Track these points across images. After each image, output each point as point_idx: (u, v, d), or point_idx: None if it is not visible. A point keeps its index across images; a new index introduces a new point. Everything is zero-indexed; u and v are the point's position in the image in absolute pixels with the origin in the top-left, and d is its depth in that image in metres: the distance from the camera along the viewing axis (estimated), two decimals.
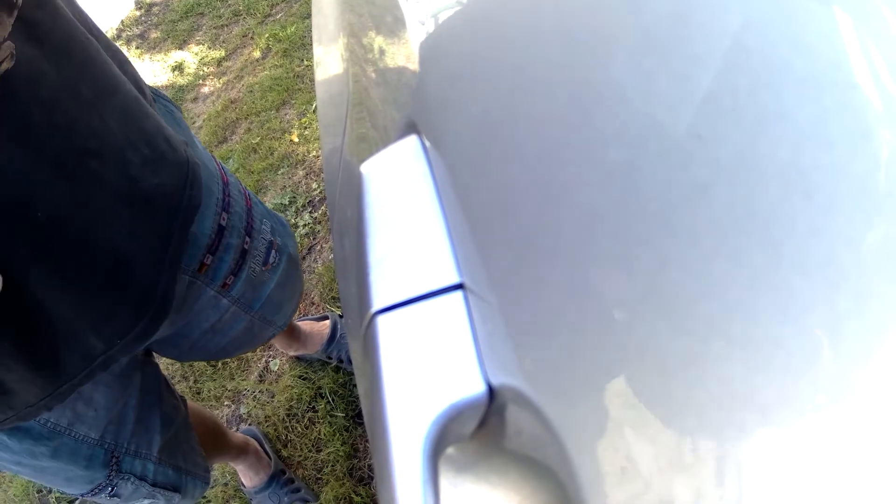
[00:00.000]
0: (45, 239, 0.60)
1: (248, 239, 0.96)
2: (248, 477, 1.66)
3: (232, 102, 2.69)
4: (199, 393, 1.93)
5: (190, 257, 0.85)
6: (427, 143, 0.35)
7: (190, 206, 0.78)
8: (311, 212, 2.17)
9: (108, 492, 1.01)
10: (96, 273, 0.67)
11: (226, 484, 1.78)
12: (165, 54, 3.12)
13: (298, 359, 1.89)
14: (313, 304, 1.96)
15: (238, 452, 1.64)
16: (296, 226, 2.11)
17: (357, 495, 1.69)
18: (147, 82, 0.84)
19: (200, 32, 3.16)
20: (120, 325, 0.72)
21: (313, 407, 1.85)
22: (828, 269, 0.18)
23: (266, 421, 1.87)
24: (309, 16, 2.85)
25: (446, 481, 0.35)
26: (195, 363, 1.98)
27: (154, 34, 3.32)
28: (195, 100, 2.83)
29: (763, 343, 0.19)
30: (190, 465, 1.26)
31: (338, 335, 1.79)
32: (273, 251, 1.03)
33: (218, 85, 2.83)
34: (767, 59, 0.19)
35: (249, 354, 1.96)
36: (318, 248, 2.06)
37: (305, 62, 2.70)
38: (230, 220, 0.91)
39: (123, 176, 0.68)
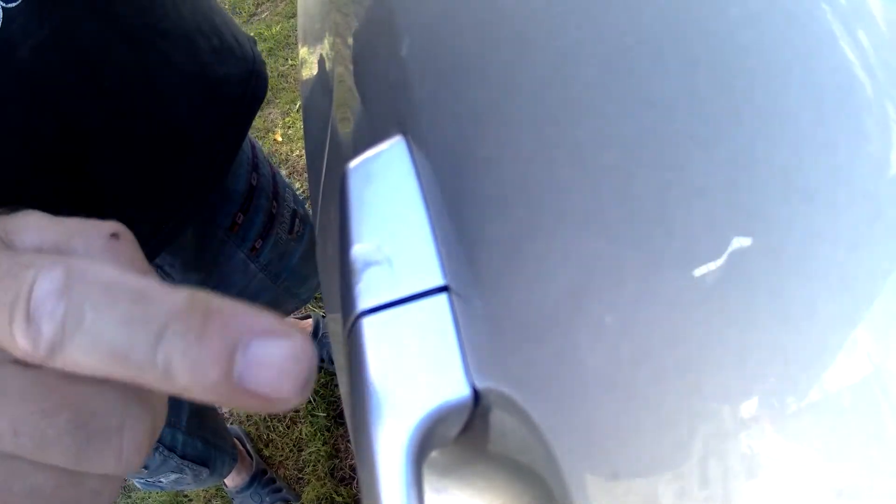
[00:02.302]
0: (110, 107, 0.61)
1: (275, 203, 0.97)
2: (230, 476, 1.65)
3: None
4: None
5: (224, 214, 0.86)
6: (413, 143, 0.34)
7: (253, 98, 0.78)
8: None
9: None
10: (155, 148, 0.67)
11: None
12: None
13: None
14: None
15: None
16: None
17: (338, 495, 1.68)
18: None
19: None
20: (171, 204, 0.72)
21: (294, 407, 1.84)
22: (828, 273, 0.17)
23: (248, 420, 1.86)
24: (294, 15, 2.84)
25: (430, 485, 0.35)
26: None
27: None
28: None
29: (760, 349, 0.18)
30: (218, 439, 1.24)
31: (320, 335, 1.79)
32: (297, 220, 1.03)
33: None
34: (765, 60, 0.19)
35: None
36: None
37: (290, 61, 2.69)
38: (260, 181, 0.93)
39: (192, 61, 0.69)
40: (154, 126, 0.66)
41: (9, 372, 0.23)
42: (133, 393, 0.26)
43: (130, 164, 0.65)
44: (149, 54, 0.64)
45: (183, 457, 1.07)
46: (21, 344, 0.22)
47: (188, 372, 0.22)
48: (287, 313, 1.24)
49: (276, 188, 0.98)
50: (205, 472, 1.17)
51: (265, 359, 0.22)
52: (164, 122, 0.67)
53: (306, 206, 1.11)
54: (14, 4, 0.49)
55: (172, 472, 1.08)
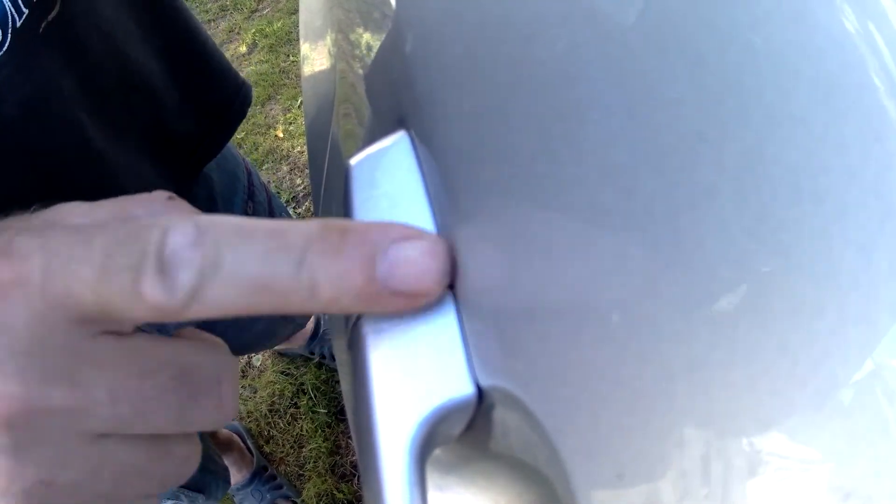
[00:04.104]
0: (97, 167, 0.61)
1: None
2: (231, 474, 1.65)
3: None
4: None
5: None
6: (416, 139, 0.34)
7: (204, 155, 0.78)
8: (294, 207, 2.17)
9: None
10: None
11: None
12: None
13: (281, 354, 1.88)
14: None
15: (222, 448, 1.63)
16: None
17: (339, 492, 1.68)
18: None
19: None
20: None
21: (295, 403, 1.84)
22: (837, 274, 0.17)
23: (248, 417, 1.86)
24: (296, 11, 2.83)
25: (433, 483, 0.35)
26: None
27: None
28: None
29: (769, 349, 0.18)
30: (211, 464, 1.25)
31: (321, 331, 1.79)
32: None
33: None
34: (775, 60, 0.19)
35: None
36: None
37: (291, 58, 2.69)
38: (255, 209, 0.92)
39: (153, 117, 0.68)
40: (121, 186, 0.65)
41: (101, 343, 0.23)
42: (221, 345, 0.26)
43: None
44: (117, 111, 0.63)
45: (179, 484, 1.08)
46: (153, 298, 0.22)
47: (334, 283, 0.23)
48: (284, 338, 1.24)
49: (272, 215, 0.97)
50: (200, 497, 1.18)
51: (404, 257, 0.24)
52: (130, 182, 0.66)
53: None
54: None
55: (169, 498, 1.09)
